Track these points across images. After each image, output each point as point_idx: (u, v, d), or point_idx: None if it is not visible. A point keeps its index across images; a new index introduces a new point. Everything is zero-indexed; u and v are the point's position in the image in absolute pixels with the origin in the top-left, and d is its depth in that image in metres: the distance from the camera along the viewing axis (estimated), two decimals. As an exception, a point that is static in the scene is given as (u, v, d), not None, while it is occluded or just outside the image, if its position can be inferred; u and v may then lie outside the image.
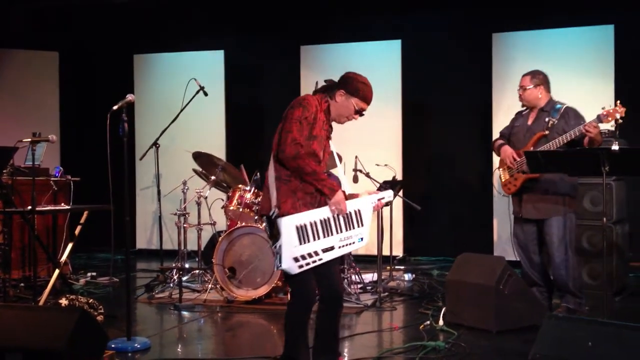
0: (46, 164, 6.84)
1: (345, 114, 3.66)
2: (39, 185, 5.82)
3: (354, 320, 5.27)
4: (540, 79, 5.25)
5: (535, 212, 5.16)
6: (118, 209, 4.56)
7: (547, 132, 5.11)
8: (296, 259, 3.43)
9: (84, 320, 3.70)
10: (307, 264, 3.46)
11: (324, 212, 3.52)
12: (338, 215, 3.52)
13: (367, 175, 6.24)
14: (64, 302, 4.91)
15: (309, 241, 3.46)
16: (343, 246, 3.55)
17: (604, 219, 4.54)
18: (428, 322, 4.94)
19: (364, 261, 7.34)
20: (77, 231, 5.85)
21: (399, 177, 7.55)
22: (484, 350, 4.31)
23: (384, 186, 5.91)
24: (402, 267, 7.57)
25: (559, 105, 5.17)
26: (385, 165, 7.03)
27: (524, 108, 5.42)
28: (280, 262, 3.44)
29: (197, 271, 6.58)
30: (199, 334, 4.94)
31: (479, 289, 4.80)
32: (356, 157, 6.33)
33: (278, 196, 3.50)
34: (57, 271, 5.60)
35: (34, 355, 3.49)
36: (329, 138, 3.68)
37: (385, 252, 6.82)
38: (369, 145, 7.93)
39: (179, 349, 4.56)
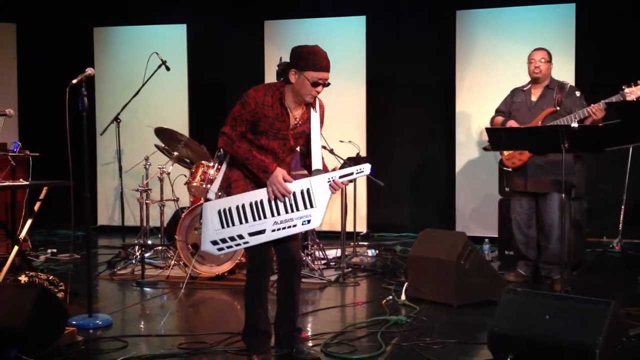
0: (3, 138, 6.67)
1: (305, 91, 3.44)
2: (-4, 160, 5.69)
3: (318, 296, 5.30)
4: (550, 56, 5.40)
5: (540, 186, 5.25)
6: (78, 184, 4.49)
7: (558, 108, 5.19)
8: (215, 242, 3.47)
9: (44, 297, 3.67)
10: (229, 246, 3.48)
11: (258, 195, 3.45)
12: (275, 197, 3.42)
13: (331, 151, 6.23)
14: (23, 279, 4.83)
15: (233, 225, 3.44)
16: (278, 230, 3.44)
17: (563, 195, 4.63)
18: (390, 297, 4.99)
19: (328, 237, 7.37)
20: (36, 207, 5.74)
21: (363, 154, 7.57)
22: (445, 324, 4.37)
23: (348, 163, 5.90)
24: (365, 243, 7.62)
25: (565, 83, 5.29)
26: (350, 141, 7.03)
27: (523, 84, 5.50)
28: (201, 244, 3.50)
29: (160, 248, 6.54)
30: (162, 311, 4.91)
31: (440, 264, 4.87)
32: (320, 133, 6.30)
33: (230, 176, 3.54)
34: (16, 248, 5.50)
35: (-8, 333, 3.46)
36: (301, 125, 3.58)
37: (349, 228, 6.84)
38: (333, 121, 7.82)
39: (141, 326, 4.54)
